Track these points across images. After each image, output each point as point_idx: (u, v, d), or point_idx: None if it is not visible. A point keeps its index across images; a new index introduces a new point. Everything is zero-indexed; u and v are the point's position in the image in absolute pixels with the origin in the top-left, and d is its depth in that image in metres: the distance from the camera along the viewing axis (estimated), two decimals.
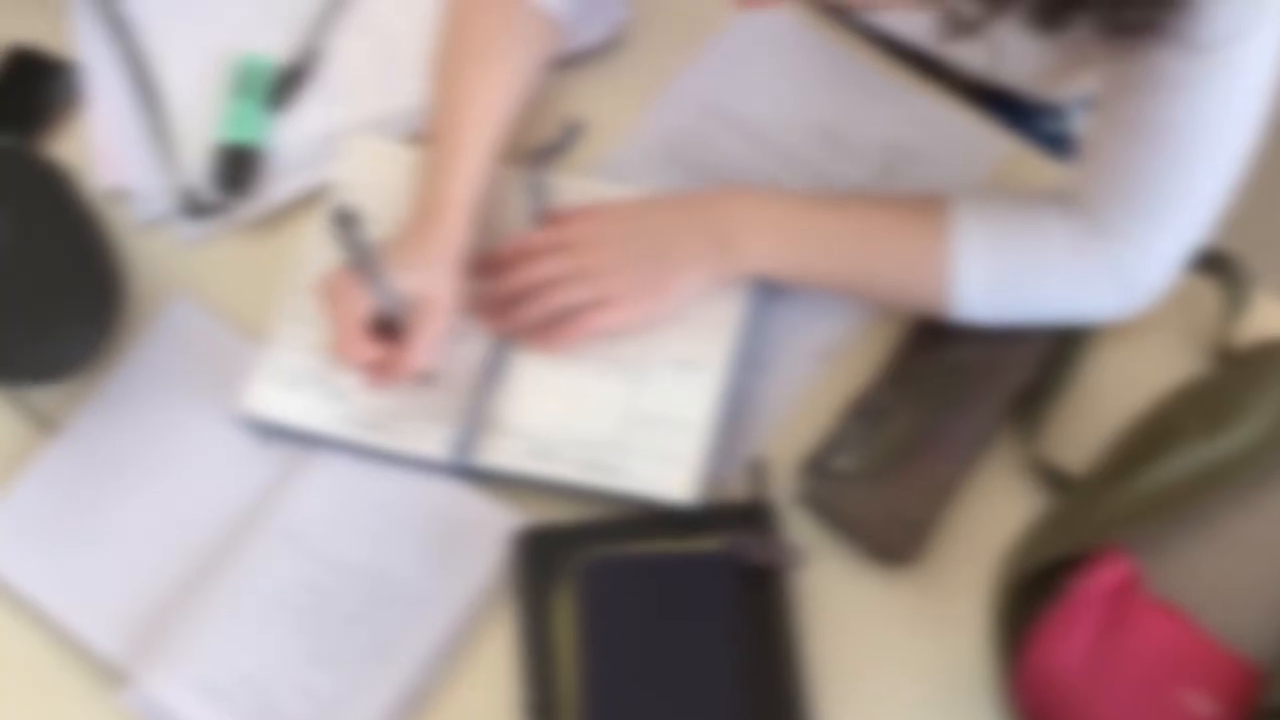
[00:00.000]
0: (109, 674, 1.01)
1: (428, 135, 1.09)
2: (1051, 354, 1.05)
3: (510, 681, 1.00)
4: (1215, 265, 1.06)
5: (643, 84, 1.18)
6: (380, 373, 1.03)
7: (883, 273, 1.05)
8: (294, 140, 1.16)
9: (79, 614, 1.03)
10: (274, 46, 1.19)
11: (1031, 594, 0.93)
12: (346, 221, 0.94)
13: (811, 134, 1.15)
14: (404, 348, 1.02)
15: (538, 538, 1.02)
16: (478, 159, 1.07)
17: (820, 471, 1.02)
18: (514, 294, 1.07)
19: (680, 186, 1.12)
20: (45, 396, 1.09)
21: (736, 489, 1.04)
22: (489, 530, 1.03)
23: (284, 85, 1.18)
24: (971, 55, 1.17)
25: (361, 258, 0.97)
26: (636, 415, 1.04)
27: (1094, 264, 1.02)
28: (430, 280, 1.03)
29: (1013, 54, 1.14)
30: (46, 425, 1.08)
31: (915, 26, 1.18)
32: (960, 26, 0.86)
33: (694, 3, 1.20)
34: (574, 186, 1.12)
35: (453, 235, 1.05)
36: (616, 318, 1.05)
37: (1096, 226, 1.01)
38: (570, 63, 1.18)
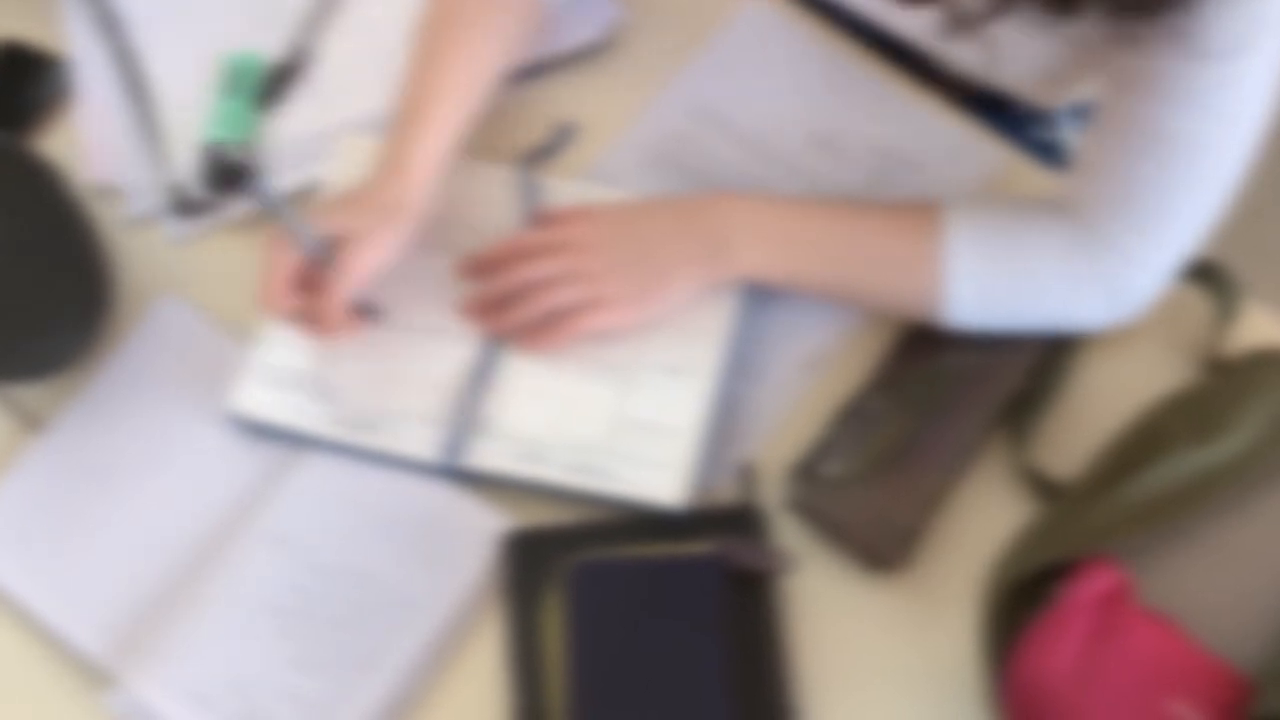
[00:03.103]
0: (93, 675, 1.01)
1: (400, 99, 1.08)
2: (1042, 362, 1.05)
3: (498, 685, 1.00)
4: (1205, 275, 1.06)
5: (636, 87, 1.17)
6: (309, 322, 1.03)
7: (874, 278, 1.05)
8: (283, 139, 1.16)
9: (63, 614, 1.02)
10: (264, 45, 1.19)
11: (1020, 602, 0.94)
12: (232, 177, 0.94)
13: (805, 139, 1.15)
14: (323, 289, 1.02)
15: (526, 540, 1.02)
16: (446, 129, 1.06)
17: (809, 477, 1.02)
18: (504, 295, 1.07)
19: (672, 191, 1.12)
20: (31, 394, 1.08)
21: (726, 494, 1.04)
22: (477, 533, 1.03)
23: (274, 84, 1.17)
24: (966, 54, 1.17)
25: (270, 204, 0.97)
26: (626, 419, 1.04)
27: (1085, 273, 1.02)
28: (354, 221, 1.02)
29: (1010, 55, 1.14)
30: (32, 423, 1.08)
31: (909, 22, 1.18)
32: (961, 23, 0.86)
33: (688, 5, 1.20)
34: (566, 189, 1.12)
35: (405, 197, 1.04)
36: (607, 319, 1.05)
37: (1089, 235, 1.01)
38: (563, 64, 1.18)
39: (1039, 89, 1.21)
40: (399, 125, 1.06)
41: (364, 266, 1.02)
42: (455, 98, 1.07)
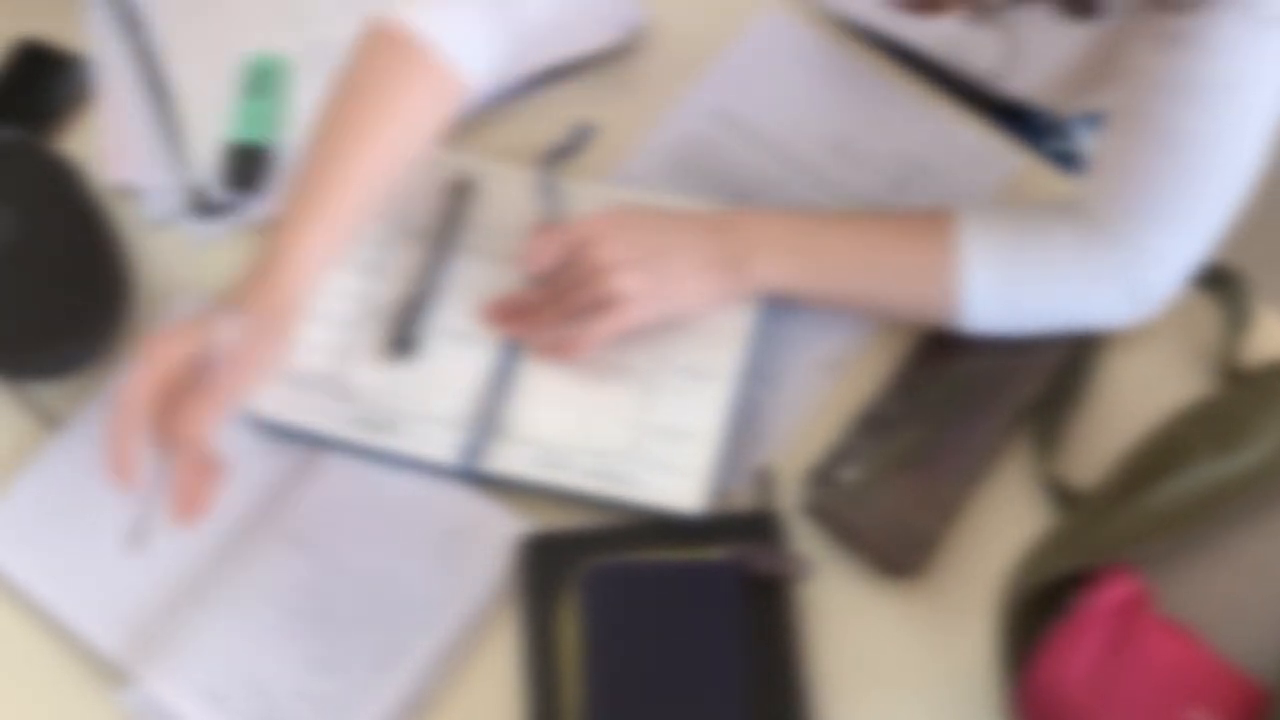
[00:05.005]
0: (110, 672, 1.01)
1: (296, 176, 1.01)
2: (1061, 368, 1.05)
3: (513, 689, 1.00)
4: (1218, 281, 1.06)
5: (656, 91, 1.18)
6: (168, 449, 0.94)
7: (890, 288, 1.05)
8: (304, 140, 1.16)
9: (80, 611, 1.02)
10: (286, 45, 1.19)
11: (1038, 610, 0.93)
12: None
13: (824, 145, 1.15)
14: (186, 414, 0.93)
15: (543, 544, 1.02)
16: (340, 223, 0.99)
17: (826, 482, 1.02)
18: (526, 302, 1.07)
19: (692, 194, 1.12)
20: (51, 393, 1.09)
21: (743, 499, 1.03)
22: (495, 536, 1.03)
23: (295, 84, 1.17)
24: (985, 58, 1.16)
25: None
26: (646, 425, 1.04)
27: (1101, 268, 1.02)
28: (233, 334, 0.94)
29: (1032, 53, 1.13)
30: (51, 422, 1.08)
31: (923, 31, 1.18)
32: (986, 10, 0.86)
33: (710, 10, 1.20)
34: (586, 192, 1.12)
35: (286, 302, 0.97)
36: (622, 320, 1.03)
37: (1104, 229, 1.01)
38: (584, 67, 1.18)
39: (1056, 96, 1.20)
40: (289, 216, 0.99)
41: (238, 395, 0.96)
42: (352, 191, 0.99)
